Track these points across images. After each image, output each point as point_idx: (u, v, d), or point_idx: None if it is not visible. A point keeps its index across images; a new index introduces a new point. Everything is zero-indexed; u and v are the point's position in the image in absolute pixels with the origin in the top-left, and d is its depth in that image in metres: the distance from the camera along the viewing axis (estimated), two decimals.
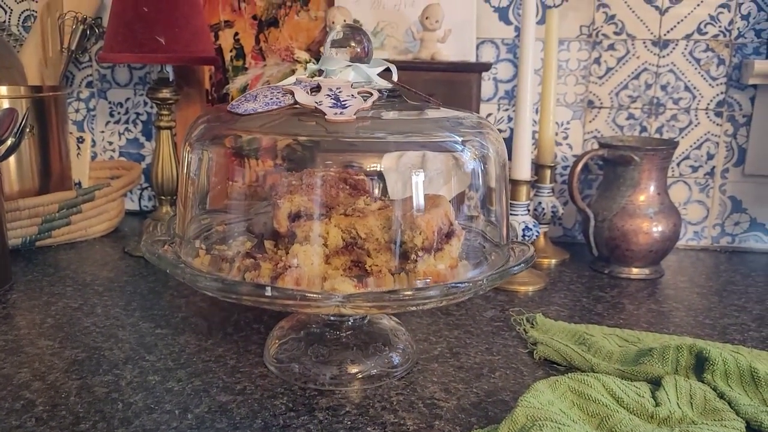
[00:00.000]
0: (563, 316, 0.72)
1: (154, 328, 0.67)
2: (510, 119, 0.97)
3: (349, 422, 0.51)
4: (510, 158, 0.95)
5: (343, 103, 0.50)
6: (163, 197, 0.91)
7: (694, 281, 0.84)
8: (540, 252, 0.88)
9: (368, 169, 0.55)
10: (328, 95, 0.51)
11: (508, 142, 0.97)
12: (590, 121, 0.96)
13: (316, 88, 0.53)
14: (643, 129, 0.95)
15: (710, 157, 0.95)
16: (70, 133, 1.02)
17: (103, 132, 1.09)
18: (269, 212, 0.59)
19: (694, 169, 0.95)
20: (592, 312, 0.74)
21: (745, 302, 0.77)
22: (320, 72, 0.57)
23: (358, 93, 0.52)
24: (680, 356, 0.56)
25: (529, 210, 0.82)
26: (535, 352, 0.63)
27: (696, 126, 0.94)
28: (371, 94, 0.52)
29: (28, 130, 0.89)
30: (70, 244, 0.93)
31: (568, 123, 0.96)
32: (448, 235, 0.56)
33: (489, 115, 0.98)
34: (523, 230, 0.78)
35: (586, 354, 0.60)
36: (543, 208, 0.89)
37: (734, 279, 0.85)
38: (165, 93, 0.88)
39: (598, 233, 0.84)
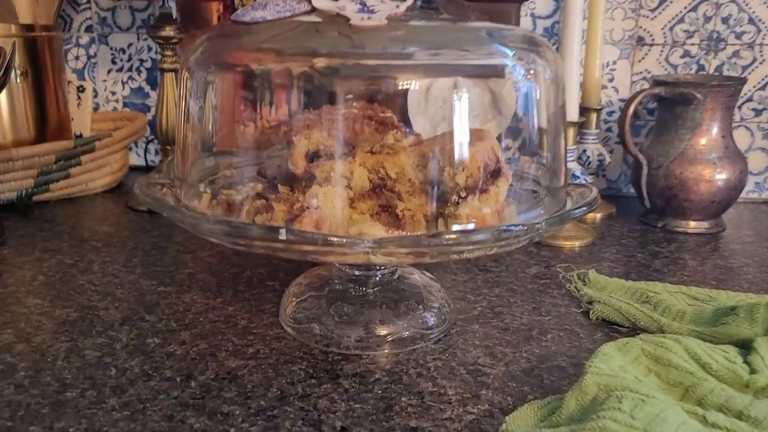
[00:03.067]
0: (618, 273, 0.63)
1: (156, 286, 0.60)
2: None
3: (380, 390, 0.44)
4: None
5: (370, 8, 0.41)
6: (168, 147, 0.83)
7: (761, 235, 0.75)
8: None
9: (397, 88, 0.46)
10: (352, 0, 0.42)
11: None
12: (639, 61, 0.86)
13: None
14: (700, 68, 0.85)
15: None
16: (70, 81, 0.94)
17: (105, 81, 1.01)
18: (283, 155, 0.51)
19: (758, 113, 0.85)
20: (649, 268, 0.65)
21: None
22: None
23: None
24: None
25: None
26: (591, 311, 0.54)
27: (761, 64, 0.84)
28: (402, 0, 0.43)
29: (19, 72, 0.81)
30: (70, 199, 0.86)
31: (614, 63, 0.86)
32: (495, 174, 0.47)
33: None
34: (571, 177, 0.69)
35: (653, 313, 0.52)
36: (588, 156, 0.80)
37: None
38: (168, 31, 0.79)
39: (652, 182, 0.75)
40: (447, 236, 0.39)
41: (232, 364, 0.47)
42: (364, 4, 0.41)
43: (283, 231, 0.37)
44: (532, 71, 0.47)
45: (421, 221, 0.47)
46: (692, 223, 0.75)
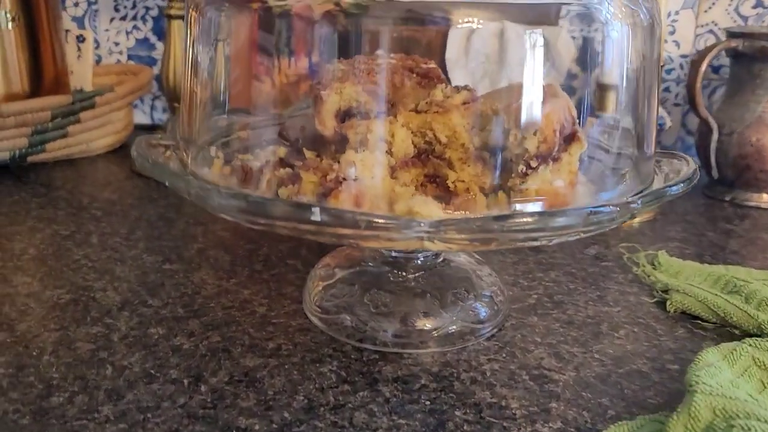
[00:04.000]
0: (689, 255, 0.55)
1: (161, 263, 0.52)
2: None
3: (428, 401, 0.36)
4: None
5: None
6: (176, 104, 0.75)
7: None
8: None
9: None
10: None
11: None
12: (705, 11, 0.76)
13: None
14: None
15: None
16: (68, 30, 0.85)
17: (107, 30, 0.92)
18: (309, 113, 0.42)
19: None
20: (726, 250, 0.57)
21: None
22: None
23: None
24: None
25: None
26: (668, 302, 0.46)
27: None
28: None
29: (9, 17, 0.72)
30: (69, 160, 0.78)
31: (676, 14, 0.77)
32: (568, 139, 0.39)
33: None
34: None
35: (746, 307, 0.43)
36: None
37: None
38: None
39: (723, 150, 0.66)
40: (523, 219, 0.30)
41: (250, 363, 0.39)
42: None
43: (317, 210, 0.29)
44: (622, 11, 0.38)
45: (477, 195, 0.39)
46: (765, 196, 0.66)
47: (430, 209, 0.33)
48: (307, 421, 0.34)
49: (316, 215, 0.29)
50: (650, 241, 0.58)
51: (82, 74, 0.86)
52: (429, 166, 0.40)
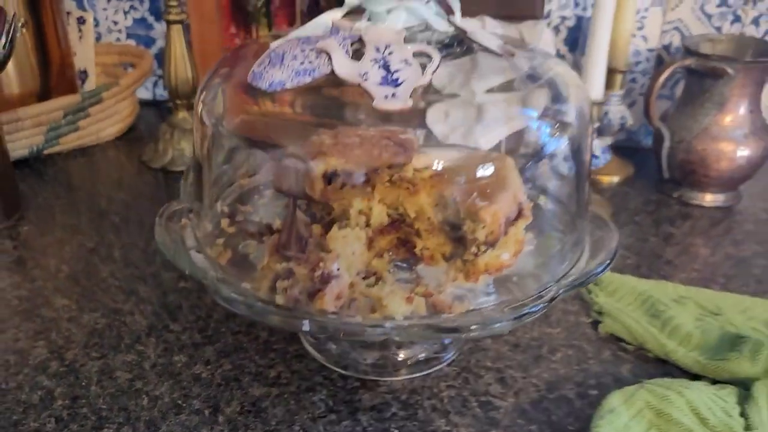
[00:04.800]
0: (630, 265, 0.64)
1: (176, 281, 0.61)
2: (577, 4, 0.83)
3: (397, 429, 0.46)
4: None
5: (394, 76, 0.39)
6: (178, 101, 0.81)
7: None
8: (602, 170, 0.78)
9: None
10: (374, 61, 0.40)
11: (573, 33, 0.84)
12: (673, 9, 0.81)
13: (358, 44, 0.42)
14: (737, 19, 0.80)
15: None
16: (69, 12, 0.90)
17: (105, 9, 0.96)
18: (299, 168, 0.50)
19: None
20: (661, 259, 0.66)
21: None
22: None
23: (414, 54, 0.41)
24: None
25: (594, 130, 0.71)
26: (600, 325, 0.56)
27: None
28: (429, 57, 0.41)
29: (20, 24, 0.77)
30: (81, 150, 0.85)
31: (645, 11, 0.81)
32: (515, 218, 0.47)
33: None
34: (591, 157, 0.68)
35: (660, 335, 0.53)
36: (610, 120, 0.77)
37: None
38: None
39: (673, 155, 0.73)
40: (466, 327, 0.39)
41: (256, 392, 0.49)
42: (387, 69, 0.39)
43: (306, 323, 0.38)
44: (557, 126, 0.45)
45: (439, 260, 0.47)
46: (708, 196, 0.74)
47: (397, 303, 0.42)
48: None
49: (306, 327, 0.38)
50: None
51: (84, 55, 0.92)
52: (401, 231, 0.48)
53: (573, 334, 0.56)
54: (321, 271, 0.43)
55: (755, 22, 0.80)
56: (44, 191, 0.76)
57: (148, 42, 0.97)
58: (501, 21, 0.73)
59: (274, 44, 0.43)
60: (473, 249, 0.45)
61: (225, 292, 0.41)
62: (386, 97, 0.39)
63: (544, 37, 0.71)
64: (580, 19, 0.83)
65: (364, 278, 0.46)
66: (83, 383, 0.50)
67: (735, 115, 0.70)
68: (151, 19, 0.96)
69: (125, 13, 0.96)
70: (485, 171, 0.46)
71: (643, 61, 0.84)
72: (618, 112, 0.78)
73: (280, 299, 0.41)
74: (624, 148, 0.85)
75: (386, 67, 0.39)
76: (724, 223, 0.72)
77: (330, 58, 0.40)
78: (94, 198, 0.75)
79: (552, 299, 0.41)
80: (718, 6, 0.80)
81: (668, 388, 0.46)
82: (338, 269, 0.43)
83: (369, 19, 0.43)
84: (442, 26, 0.44)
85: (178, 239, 0.47)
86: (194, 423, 0.47)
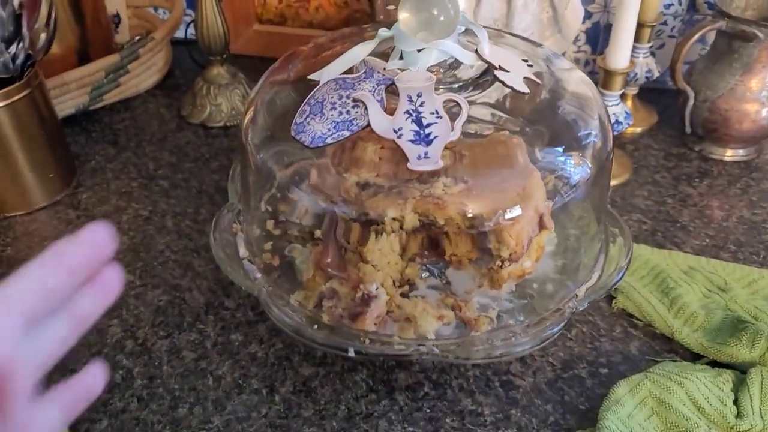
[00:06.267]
0: (645, 230, 0.69)
1: None
2: None
3: (428, 409, 0.54)
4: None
5: (426, 131, 0.42)
6: (212, 57, 0.83)
7: None
8: None
9: None
10: (407, 114, 0.43)
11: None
12: None
13: (391, 88, 0.45)
14: None
15: None
16: None
17: None
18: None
19: None
20: (676, 224, 0.70)
21: None
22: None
23: (443, 102, 0.43)
24: None
25: (621, 96, 0.72)
26: (614, 301, 0.61)
27: None
28: (459, 106, 0.43)
29: None
30: (123, 102, 0.89)
31: None
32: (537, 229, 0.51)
33: None
34: (614, 124, 0.70)
35: (668, 316, 0.58)
36: (636, 73, 0.78)
37: None
38: None
39: (697, 113, 0.75)
40: (494, 353, 0.45)
41: (306, 371, 0.56)
42: (419, 123, 0.42)
43: (351, 350, 0.44)
44: (581, 158, 0.48)
45: (467, 265, 0.53)
46: (729, 152, 0.77)
47: (428, 321, 0.47)
48: (347, 429, 0.52)
49: (351, 352, 0.44)
50: (618, 212, 0.71)
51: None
52: (431, 231, 0.53)
53: (588, 308, 0.61)
54: (362, 292, 0.48)
55: None
56: (94, 151, 0.81)
57: None
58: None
59: (313, 91, 0.46)
60: (498, 262, 0.50)
61: (277, 314, 0.47)
62: (419, 157, 0.42)
63: (570, 7, 0.70)
64: None
65: (398, 286, 0.51)
66: (156, 363, 0.57)
67: (761, 77, 0.71)
68: None
69: None
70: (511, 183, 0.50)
71: (675, 3, 0.83)
72: (645, 64, 0.78)
73: (326, 317, 0.47)
74: (649, 90, 0.85)
75: (419, 121, 0.42)
76: (742, 181, 0.75)
77: (366, 109, 0.43)
78: (141, 159, 0.80)
79: (570, 314, 0.47)
80: None
81: (670, 378, 0.52)
82: (377, 288, 0.48)
83: (401, 58, 0.45)
84: (469, 60, 0.46)
85: (232, 251, 0.53)
86: (254, 402, 0.54)
